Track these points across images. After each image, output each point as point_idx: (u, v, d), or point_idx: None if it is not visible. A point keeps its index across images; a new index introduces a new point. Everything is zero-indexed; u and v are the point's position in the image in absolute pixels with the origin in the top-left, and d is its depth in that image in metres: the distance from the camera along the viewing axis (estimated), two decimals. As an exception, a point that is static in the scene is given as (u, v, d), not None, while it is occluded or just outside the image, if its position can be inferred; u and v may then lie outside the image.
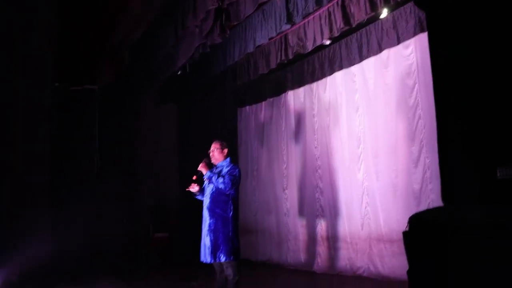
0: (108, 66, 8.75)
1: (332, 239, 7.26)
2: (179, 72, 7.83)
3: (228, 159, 5.25)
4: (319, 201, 7.61)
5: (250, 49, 6.71)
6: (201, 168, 5.16)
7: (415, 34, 6.01)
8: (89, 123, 8.44)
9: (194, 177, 5.23)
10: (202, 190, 5.28)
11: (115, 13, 7.44)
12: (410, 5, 5.98)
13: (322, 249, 7.44)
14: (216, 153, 5.24)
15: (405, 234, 1.88)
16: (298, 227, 8.06)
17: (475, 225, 1.59)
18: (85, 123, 8.43)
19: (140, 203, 9.59)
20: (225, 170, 5.11)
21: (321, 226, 7.52)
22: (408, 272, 1.88)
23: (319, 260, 7.42)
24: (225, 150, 5.26)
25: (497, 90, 1.89)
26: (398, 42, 6.27)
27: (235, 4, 5.80)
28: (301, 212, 8.01)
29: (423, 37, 5.79)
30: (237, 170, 5.14)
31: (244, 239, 9.33)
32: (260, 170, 9.20)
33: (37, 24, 7.99)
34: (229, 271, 5.04)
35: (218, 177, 5.05)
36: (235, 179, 5.05)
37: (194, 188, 5.24)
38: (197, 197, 5.39)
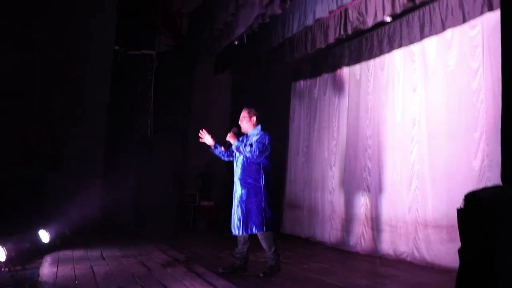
0: (166, 32, 8.86)
1: (376, 220, 7.14)
2: (236, 42, 7.82)
3: (259, 127, 5.21)
4: (366, 181, 7.49)
5: (310, 22, 6.60)
6: (229, 138, 5.16)
7: (482, 13, 5.68)
8: (145, 87, 8.62)
9: (223, 148, 5.26)
10: (228, 149, 5.26)
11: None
12: (479, -20, 5.67)
13: (365, 230, 7.36)
14: (245, 122, 5.23)
15: (459, 211, 1.83)
16: (342, 206, 8.00)
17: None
18: (142, 87, 8.63)
19: (188, 171, 9.80)
20: (254, 138, 5.10)
21: (366, 207, 7.41)
22: (460, 250, 1.84)
23: (362, 241, 7.34)
24: (253, 118, 5.22)
25: None
26: (464, 21, 5.93)
27: (298, -25, 5.70)
28: (347, 191, 7.93)
29: (491, 16, 5.49)
30: (267, 137, 5.09)
31: (290, 214, 9.47)
32: (310, 146, 9.16)
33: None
34: (264, 243, 5.07)
35: (246, 146, 5.05)
36: (264, 146, 5.01)
37: (204, 137, 5.24)
38: (221, 156, 5.39)
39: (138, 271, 5.24)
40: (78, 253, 6.53)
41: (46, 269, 5.45)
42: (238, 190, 5.14)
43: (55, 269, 5.36)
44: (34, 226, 6.68)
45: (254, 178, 5.08)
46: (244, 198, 5.07)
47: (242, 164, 5.13)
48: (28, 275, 5.04)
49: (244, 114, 5.27)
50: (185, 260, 5.93)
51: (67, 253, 6.49)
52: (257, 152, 4.97)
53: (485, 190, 1.82)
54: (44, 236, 6.67)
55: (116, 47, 8.39)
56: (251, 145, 5.03)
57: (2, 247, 5.32)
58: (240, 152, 5.09)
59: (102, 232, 8.07)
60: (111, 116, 8.76)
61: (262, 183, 5.07)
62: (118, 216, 8.36)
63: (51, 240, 6.77)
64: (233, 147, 5.14)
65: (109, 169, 8.66)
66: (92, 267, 5.48)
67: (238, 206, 5.10)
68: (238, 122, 5.33)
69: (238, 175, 5.16)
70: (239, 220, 5.05)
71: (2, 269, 5.16)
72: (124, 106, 8.60)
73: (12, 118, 8.13)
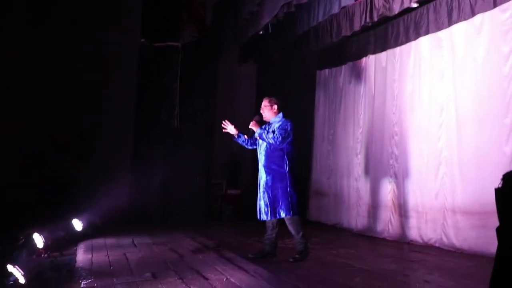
0: (191, 24, 8.93)
1: (404, 207, 7.14)
2: (261, 32, 7.85)
3: (280, 114, 5.30)
4: (393, 168, 7.48)
5: (335, 10, 6.58)
6: (252, 126, 5.27)
7: (514, -4, 5.61)
8: (171, 79, 8.74)
9: (246, 136, 5.36)
10: (251, 137, 5.36)
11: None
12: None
13: (392, 217, 7.36)
14: (266, 111, 5.32)
15: (497, 190, 1.87)
16: (368, 193, 8.02)
17: None
18: (167, 78, 8.74)
19: (215, 159, 9.92)
20: (276, 125, 5.18)
21: (394, 193, 7.41)
22: (498, 229, 1.88)
23: (389, 227, 7.36)
24: (275, 106, 5.31)
25: None
26: (495, 5, 5.80)
27: (323, -37, 5.70)
28: (373, 178, 7.94)
29: (524, -1, 5.42)
30: (289, 124, 5.18)
31: (316, 201, 9.53)
32: (336, 134, 9.18)
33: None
34: (291, 227, 5.17)
35: (269, 133, 5.12)
36: (286, 132, 5.09)
37: (228, 127, 5.36)
38: (245, 144, 5.49)
39: (170, 257, 5.38)
40: (110, 241, 6.71)
41: (81, 256, 5.64)
42: (263, 177, 5.24)
43: (90, 256, 5.54)
44: (68, 216, 6.89)
45: (278, 164, 5.17)
46: (269, 184, 5.16)
47: (265, 151, 5.22)
48: (66, 261, 5.24)
49: (265, 103, 5.37)
50: (214, 246, 6.06)
51: (99, 241, 6.68)
52: (280, 138, 5.06)
53: None
54: (77, 225, 6.89)
55: (142, 40, 8.51)
56: (273, 132, 5.12)
57: (40, 235, 5.52)
58: (263, 139, 5.18)
59: (131, 221, 8.25)
60: (138, 109, 8.92)
61: (286, 169, 5.16)
62: (147, 205, 8.53)
63: (84, 229, 6.99)
64: (256, 135, 5.24)
65: (137, 161, 8.84)
66: (125, 253, 5.64)
67: (264, 192, 5.19)
68: (260, 112, 5.41)
69: (262, 162, 5.26)
70: (266, 205, 5.15)
71: (42, 255, 5.37)
72: (150, 98, 8.74)
73: (42, 117, 8.36)
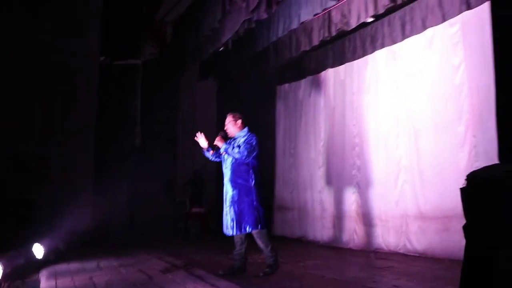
0: (151, 41, 8.91)
1: (368, 216, 7.31)
2: (221, 48, 7.91)
3: (246, 129, 5.34)
4: (355, 178, 7.64)
5: (295, 25, 6.73)
6: (217, 141, 5.28)
7: (461, 11, 5.90)
8: (131, 96, 8.65)
9: (211, 152, 5.37)
10: (216, 151, 5.34)
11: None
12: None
13: (357, 226, 7.50)
14: (231, 126, 5.36)
15: (462, 190, 1.97)
16: (333, 204, 8.14)
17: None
18: (128, 96, 8.65)
19: (177, 178, 9.83)
20: (241, 140, 5.22)
21: (357, 203, 7.56)
22: (464, 226, 1.98)
23: (354, 237, 7.49)
24: (239, 121, 5.35)
25: None
26: (443, 19, 6.14)
27: (282, -20, 5.83)
28: (337, 189, 8.07)
29: (469, 14, 5.73)
30: (254, 138, 5.22)
31: (280, 216, 9.57)
32: (297, 148, 9.30)
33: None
34: (260, 241, 5.15)
35: (234, 148, 5.17)
36: (252, 147, 5.13)
37: (200, 139, 5.33)
38: (211, 157, 5.45)
39: (138, 278, 5.28)
40: (74, 265, 6.51)
41: (45, 283, 5.44)
42: (229, 191, 5.23)
43: (54, 283, 5.35)
44: (28, 242, 6.66)
45: (244, 178, 5.18)
46: (235, 198, 5.15)
47: (231, 166, 5.23)
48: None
49: (229, 118, 5.40)
50: (183, 265, 5.97)
51: (63, 266, 6.47)
52: (246, 153, 5.08)
53: (485, 169, 1.97)
54: (38, 251, 6.66)
55: (102, 58, 8.40)
56: (239, 146, 5.14)
57: (-1, 263, 5.30)
58: (229, 154, 5.19)
59: (95, 243, 8.04)
60: (98, 127, 8.76)
61: (252, 183, 5.18)
62: (111, 226, 8.35)
63: (45, 255, 6.77)
64: (222, 150, 5.25)
65: (99, 181, 8.64)
66: (91, 277, 5.48)
67: (230, 207, 5.17)
68: (224, 128, 5.44)
69: (228, 176, 5.26)
70: (232, 220, 5.12)
71: (2, 285, 5.13)
72: (111, 116, 8.61)
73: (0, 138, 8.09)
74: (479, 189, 1.98)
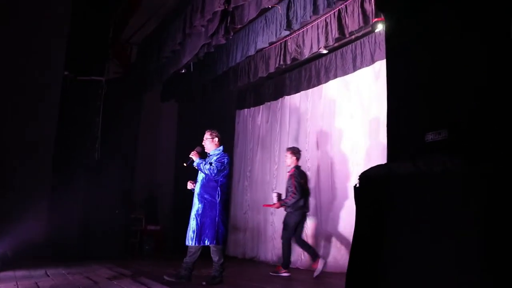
0: (116, 60, 9.16)
1: (318, 238, 7.61)
2: (183, 70, 8.24)
3: (221, 148, 5.67)
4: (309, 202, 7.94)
5: (252, 52, 7.13)
6: (192, 155, 5.59)
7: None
8: (93, 112, 8.79)
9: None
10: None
11: (129, 7, 7.86)
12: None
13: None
14: (207, 143, 5.68)
15: (354, 188, 2.23)
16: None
17: (403, 173, 2.02)
18: (90, 112, 8.78)
19: (135, 194, 9.94)
20: (214, 158, 5.54)
21: (307, 226, 7.85)
22: (355, 221, 2.22)
23: (302, 257, 7.76)
24: (216, 139, 5.68)
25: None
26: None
27: (240, 8, 6.22)
28: (289, 212, 8.35)
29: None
30: (226, 158, 5.56)
31: (233, 236, 9.75)
32: (253, 170, 9.59)
33: (52, 15, 8.46)
34: (214, 255, 5.42)
35: (206, 164, 5.46)
36: (222, 166, 5.45)
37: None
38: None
39: (84, 283, 5.38)
40: (20, 273, 6.48)
41: (-14, 287, 5.46)
42: (195, 204, 5.51)
43: (-4, 287, 5.39)
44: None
45: (211, 194, 5.47)
46: (200, 211, 5.43)
47: (201, 181, 5.53)
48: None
49: (206, 135, 5.72)
50: (131, 274, 6.11)
51: (8, 273, 6.44)
52: (215, 171, 5.40)
53: (373, 168, 2.23)
54: (-16, 257, 6.65)
55: (66, 73, 8.58)
56: (211, 163, 5.43)
57: None
58: (200, 169, 5.50)
59: (46, 255, 8.03)
60: (58, 140, 8.84)
61: (218, 199, 5.46)
62: (63, 238, 8.35)
63: (-8, 261, 6.75)
64: (194, 164, 5.54)
65: (55, 193, 8.67)
66: (36, 283, 5.53)
67: (193, 219, 5.44)
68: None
69: (197, 190, 5.55)
70: (193, 232, 5.39)
71: None
72: (72, 130, 8.71)
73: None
74: (366, 188, 2.23)
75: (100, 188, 8.65)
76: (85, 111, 8.75)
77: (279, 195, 6.90)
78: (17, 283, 5.52)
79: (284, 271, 6.63)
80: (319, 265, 6.31)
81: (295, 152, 6.95)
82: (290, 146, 8.53)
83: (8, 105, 8.49)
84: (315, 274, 6.26)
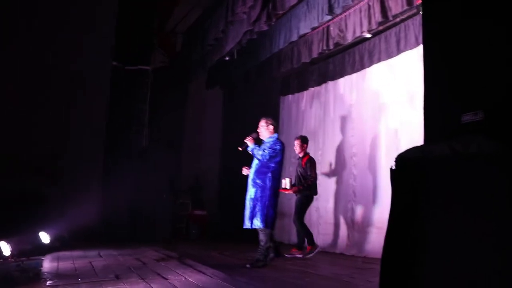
0: (161, 49, 9.38)
1: (363, 223, 7.56)
2: (226, 57, 8.34)
3: (275, 135, 5.78)
4: (352, 187, 7.92)
5: (294, 37, 7.14)
6: (247, 140, 5.72)
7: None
8: (141, 100, 9.06)
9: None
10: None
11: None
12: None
13: (351, 233, 7.76)
14: (262, 130, 5.80)
15: (391, 171, 2.23)
16: (330, 211, 8.41)
17: (439, 155, 2.01)
18: (138, 100, 9.07)
19: (181, 180, 10.20)
20: (268, 144, 5.64)
21: (354, 212, 7.83)
22: (391, 204, 2.23)
23: (348, 243, 7.75)
24: (271, 127, 5.79)
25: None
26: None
27: (282, -6, 6.25)
28: (334, 197, 8.36)
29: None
30: (278, 145, 5.66)
31: (279, 222, 9.80)
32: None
33: (100, 6, 8.75)
34: (261, 237, 5.58)
35: (259, 150, 5.58)
36: (275, 152, 5.57)
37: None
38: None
39: (133, 264, 5.65)
40: (76, 253, 6.89)
41: (48, 263, 5.83)
42: (249, 189, 5.68)
43: (56, 264, 5.74)
44: (35, 229, 7.07)
45: (262, 180, 5.61)
46: (252, 196, 5.60)
47: (255, 166, 5.69)
48: (33, 265, 5.44)
49: (262, 123, 5.85)
50: (177, 256, 6.33)
51: (66, 253, 6.85)
52: (268, 157, 5.53)
53: (409, 150, 2.22)
54: (44, 237, 7.07)
55: (114, 63, 8.87)
56: (264, 150, 5.55)
57: (7, 243, 5.72)
58: (253, 155, 5.64)
59: (99, 237, 8.42)
60: (108, 128, 9.19)
61: (269, 185, 5.59)
62: (114, 222, 8.72)
63: (51, 242, 7.16)
64: (249, 149, 5.69)
65: (107, 179, 9.04)
66: (90, 262, 5.86)
67: (248, 203, 5.64)
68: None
69: (251, 175, 5.71)
70: (247, 215, 5.60)
71: (9, 260, 5.56)
72: (120, 118, 9.03)
73: (13, 137, 8.51)
74: (403, 170, 2.23)
75: (148, 174, 8.95)
76: (133, 100, 9.04)
77: (291, 180, 7.19)
78: (73, 262, 5.86)
79: (299, 252, 6.97)
80: (303, 254, 6.78)
81: (304, 140, 7.36)
82: (334, 133, 8.54)
83: (58, 95, 8.85)
84: (290, 256, 6.76)
